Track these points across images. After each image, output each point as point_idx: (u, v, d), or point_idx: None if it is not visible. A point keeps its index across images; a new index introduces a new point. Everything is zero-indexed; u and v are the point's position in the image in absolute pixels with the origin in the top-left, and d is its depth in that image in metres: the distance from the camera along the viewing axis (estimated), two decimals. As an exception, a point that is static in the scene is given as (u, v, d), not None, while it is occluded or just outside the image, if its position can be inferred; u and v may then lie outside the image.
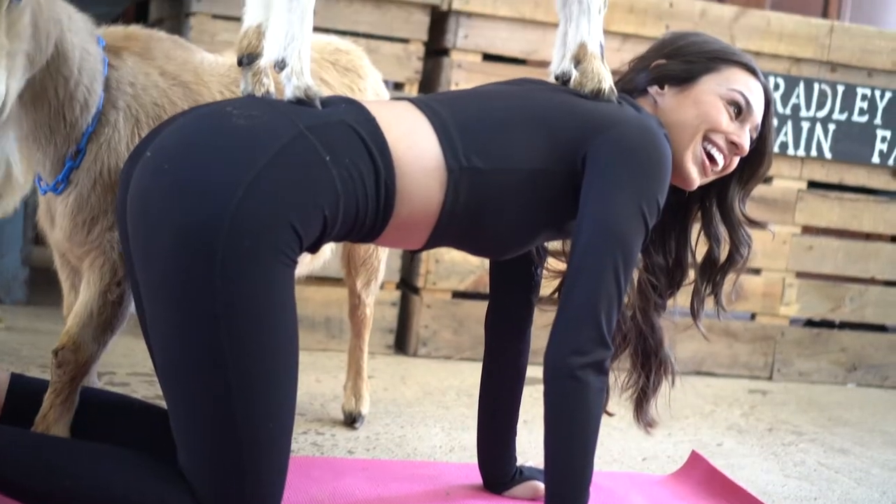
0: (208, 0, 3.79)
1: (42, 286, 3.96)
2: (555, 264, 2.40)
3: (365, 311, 3.03)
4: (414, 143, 2.00)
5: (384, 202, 1.97)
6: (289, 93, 1.99)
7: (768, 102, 2.30)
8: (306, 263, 2.66)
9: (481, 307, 2.48)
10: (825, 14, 5.71)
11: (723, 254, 2.37)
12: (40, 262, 3.74)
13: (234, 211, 1.79)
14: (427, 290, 4.08)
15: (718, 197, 2.36)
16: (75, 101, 2.14)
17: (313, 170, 1.88)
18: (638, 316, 2.35)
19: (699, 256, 2.39)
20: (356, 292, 3.01)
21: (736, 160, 2.28)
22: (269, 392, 1.85)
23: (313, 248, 1.95)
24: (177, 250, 1.81)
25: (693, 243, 2.40)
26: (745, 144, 2.25)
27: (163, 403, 2.00)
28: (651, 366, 2.38)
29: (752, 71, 2.28)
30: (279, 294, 1.85)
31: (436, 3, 3.99)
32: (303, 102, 1.98)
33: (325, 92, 2.44)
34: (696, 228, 2.41)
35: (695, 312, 2.39)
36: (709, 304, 2.41)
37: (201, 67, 2.35)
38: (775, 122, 2.36)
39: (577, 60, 2.21)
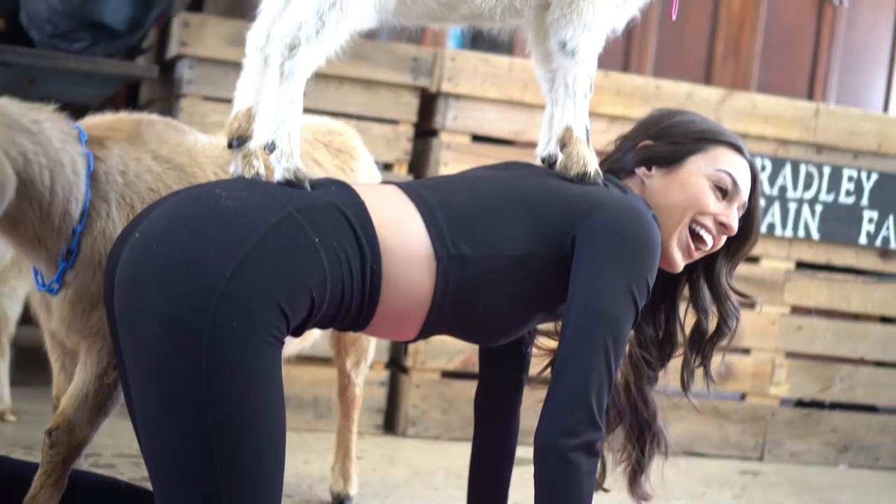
0: (199, 82, 3.83)
1: (27, 367, 3.94)
2: (545, 342, 2.39)
3: (354, 391, 3.02)
4: (401, 229, 2.00)
5: (370, 287, 1.96)
6: (278, 175, 2.00)
7: (755, 179, 2.32)
8: (296, 343, 2.65)
9: (471, 387, 2.47)
10: (811, 96, 5.77)
11: (711, 325, 2.38)
12: (26, 343, 3.72)
13: (223, 291, 1.79)
14: (416, 369, 4.06)
15: (706, 271, 2.38)
16: (53, 216, 2.13)
17: (302, 251, 1.88)
18: (632, 389, 2.35)
19: (688, 328, 2.40)
20: (346, 372, 2.99)
21: (724, 239, 2.29)
22: (256, 473, 1.83)
23: (298, 332, 1.95)
24: (164, 331, 1.80)
25: (682, 316, 2.41)
26: (734, 224, 2.26)
27: (149, 485, 1.98)
28: (645, 439, 2.37)
29: (737, 149, 2.29)
30: (266, 374, 1.84)
31: (425, 85, 4.03)
32: (292, 184, 1.99)
33: (318, 173, 2.46)
34: (684, 301, 2.42)
35: (685, 385, 2.39)
36: (699, 382, 2.41)
37: (195, 149, 2.34)
38: (763, 202, 2.38)
39: (563, 144, 2.23)
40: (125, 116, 2.36)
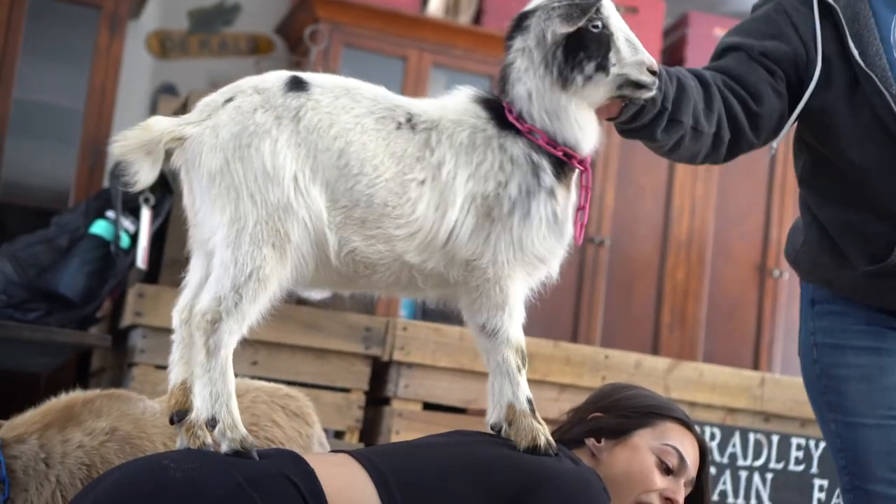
0: (151, 350, 3.83)
1: None
2: None
3: None
4: (353, 498, 1.99)
5: (320, 556, 1.94)
6: (225, 447, 2.00)
7: (704, 454, 2.33)
8: None
9: None
10: (756, 365, 5.86)
11: None
12: None
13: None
14: None
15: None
16: None
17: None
18: None
19: None
20: None
21: (671, 514, 2.29)
22: None
23: None
24: None
25: None
26: (680, 499, 2.27)
27: None
28: None
29: (686, 425, 2.32)
30: None
31: (377, 353, 4.06)
32: (240, 454, 1.99)
33: (277, 434, 2.46)
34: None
35: None
36: None
37: (143, 419, 2.33)
38: (713, 470, 2.40)
39: (509, 422, 2.18)
40: (58, 401, 2.36)
